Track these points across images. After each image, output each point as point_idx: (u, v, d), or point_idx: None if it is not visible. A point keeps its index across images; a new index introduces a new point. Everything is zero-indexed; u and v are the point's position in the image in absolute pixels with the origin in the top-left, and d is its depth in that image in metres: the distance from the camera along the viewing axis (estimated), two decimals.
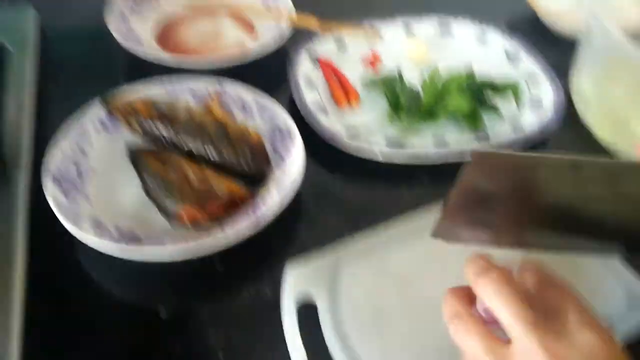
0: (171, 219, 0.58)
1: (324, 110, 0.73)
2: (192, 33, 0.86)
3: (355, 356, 0.49)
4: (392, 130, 0.72)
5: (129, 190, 0.62)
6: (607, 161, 0.36)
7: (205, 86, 0.70)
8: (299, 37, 0.82)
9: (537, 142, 0.71)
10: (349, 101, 0.76)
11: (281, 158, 0.64)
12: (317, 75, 0.78)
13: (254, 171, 0.62)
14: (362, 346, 0.49)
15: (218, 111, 0.66)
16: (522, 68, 0.80)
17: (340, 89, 0.77)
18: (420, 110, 0.73)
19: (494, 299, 0.38)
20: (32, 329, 0.52)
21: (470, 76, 0.74)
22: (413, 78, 0.78)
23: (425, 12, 0.87)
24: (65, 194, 0.58)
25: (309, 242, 0.60)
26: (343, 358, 0.48)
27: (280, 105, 0.68)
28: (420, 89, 0.75)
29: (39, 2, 0.86)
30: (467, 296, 0.41)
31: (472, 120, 0.72)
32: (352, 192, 0.66)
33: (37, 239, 0.59)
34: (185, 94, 0.69)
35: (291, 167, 0.62)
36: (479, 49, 0.84)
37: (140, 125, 0.64)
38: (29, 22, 0.84)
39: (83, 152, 0.63)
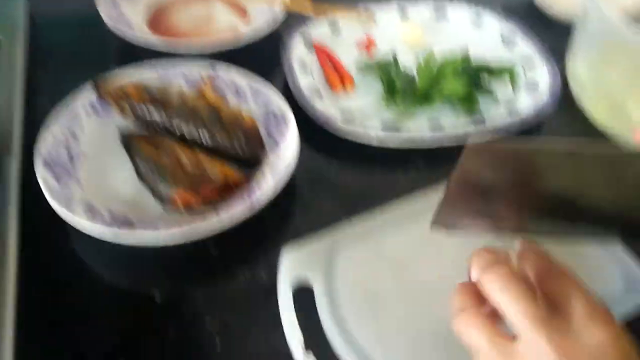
0: (164, 203, 0.58)
1: (319, 95, 0.72)
2: (184, 17, 0.85)
3: (351, 339, 0.48)
4: (387, 115, 0.71)
5: (121, 174, 0.62)
6: (608, 149, 0.35)
7: (197, 70, 0.69)
8: (292, 21, 0.81)
9: (533, 126, 0.71)
10: (343, 85, 0.75)
11: (275, 142, 0.63)
12: (312, 60, 0.78)
13: (248, 155, 0.62)
14: (359, 329, 0.49)
15: (211, 95, 0.65)
16: (517, 52, 0.80)
17: (335, 73, 0.76)
18: (416, 94, 0.72)
19: (500, 295, 0.37)
20: (26, 314, 0.52)
21: (466, 59, 0.73)
22: (408, 62, 0.77)
23: None
24: (57, 178, 0.57)
25: (304, 227, 0.59)
26: (340, 341, 0.48)
27: (274, 89, 0.68)
28: (415, 73, 0.75)
29: None
30: (477, 291, 0.40)
31: (468, 103, 0.71)
32: (347, 177, 0.66)
33: (30, 225, 0.58)
34: (177, 78, 0.68)
35: (285, 151, 0.61)
36: (474, 32, 0.83)
37: (132, 109, 0.63)
38: (18, 8, 0.83)
39: (74, 137, 0.62)
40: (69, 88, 0.66)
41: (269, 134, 0.65)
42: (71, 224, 0.54)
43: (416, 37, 0.82)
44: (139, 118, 0.64)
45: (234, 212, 0.55)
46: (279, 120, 0.65)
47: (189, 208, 0.57)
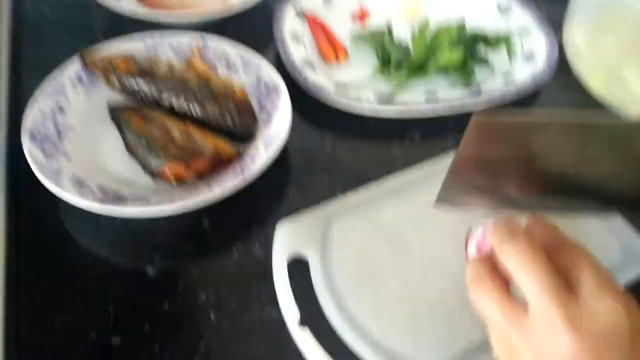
0: (155, 177, 0.57)
1: (311, 67, 0.71)
2: None
3: (347, 313, 0.48)
4: (382, 87, 0.70)
5: (110, 148, 0.61)
6: (614, 120, 0.35)
7: (187, 42, 0.67)
8: None
9: (529, 95, 0.70)
10: (336, 57, 0.74)
11: (267, 114, 0.62)
12: (304, 31, 0.76)
13: (239, 127, 0.60)
14: (355, 303, 0.48)
15: (200, 66, 0.64)
16: (514, 21, 0.78)
17: (328, 45, 0.75)
18: (411, 66, 0.71)
19: (517, 268, 0.37)
20: (17, 290, 0.51)
21: (461, 28, 0.72)
22: (403, 33, 0.75)
23: None
24: (45, 152, 0.56)
25: (298, 200, 0.59)
26: (336, 315, 0.48)
27: (266, 60, 0.66)
28: (410, 44, 0.73)
29: None
30: (491, 260, 0.40)
31: (464, 73, 0.70)
32: (341, 150, 0.65)
33: (19, 201, 0.57)
34: (166, 50, 0.67)
35: (278, 122, 0.60)
36: (470, 2, 0.81)
37: (120, 81, 0.62)
38: None
39: (61, 110, 0.60)
40: (56, 62, 0.65)
41: (261, 106, 0.63)
42: (60, 198, 0.53)
43: (412, 7, 0.80)
44: (127, 90, 0.62)
45: (226, 184, 0.54)
46: (271, 91, 0.63)
47: (180, 181, 0.56)
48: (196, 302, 0.51)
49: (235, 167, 0.57)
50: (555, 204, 0.44)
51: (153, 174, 0.57)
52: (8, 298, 0.50)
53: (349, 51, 0.75)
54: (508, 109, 0.69)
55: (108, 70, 0.62)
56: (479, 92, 0.69)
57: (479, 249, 0.43)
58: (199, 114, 0.60)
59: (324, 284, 0.49)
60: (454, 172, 0.39)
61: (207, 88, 0.61)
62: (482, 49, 0.73)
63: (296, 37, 0.74)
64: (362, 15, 0.80)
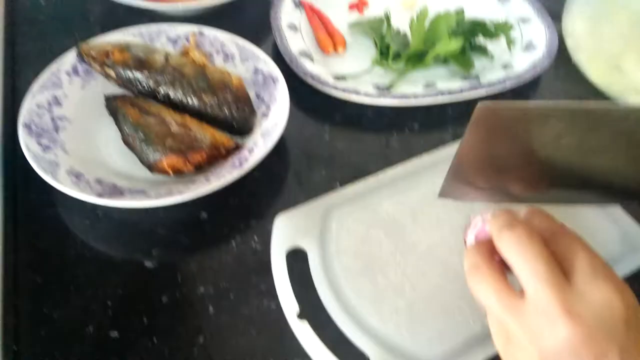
0: (152, 169, 0.57)
1: (309, 57, 0.70)
2: None
3: (347, 305, 0.48)
4: (381, 77, 0.70)
5: (108, 140, 0.60)
6: (619, 108, 0.35)
7: (183, 33, 0.67)
8: None
9: (529, 84, 0.70)
10: (335, 47, 0.73)
11: (265, 105, 0.62)
12: (301, 20, 0.75)
13: (237, 118, 0.60)
14: (354, 295, 0.48)
15: (197, 56, 0.63)
16: (513, 10, 0.78)
17: (326, 35, 0.74)
18: (409, 55, 0.70)
19: (514, 254, 0.37)
20: (15, 284, 0.51)
21: (460, 14, 0.71)
22: (402, 23, 0.75)
23: None
24: (41, 145, 0.55)
25: (297, 193, 0.59)
26: (334, 306, 0.47)
27: (262, 51, 0.66)
28: (408, 33, 0.73)
29: None
30: (489, 248, 0.40)
31: (462, 63, 0.69)
32: (340, 142, 0.65)
33: (16, 194, 0.57)
34: (162, 41, 0.66)
35: (276, 113, 0.60)
36: None
37: (117, 72, 0.61)
38: None
39: (58, 103, 0.60)
40: (52, 54, 0.64)
41: (259, 97, 0.63)
42: (57, 190, 0.52)
43: None
44: (123, 82, 0.62)
45: (224, 175, 0.54)
46: (269, 82, 0.63)
47: (178, 173, 0.56)
48: (195, 295, 0.51)
49: (233, 159, 0.57)
50: (557, 195, 0.44)
51: (150, 166, 0.56)
52: (5, 292, 0.50)
53: (347, 41, 0.74)
54: (508, 100, 0.69)
55: (104, 62, 0.61)
56: (478, 83, 0.68)
57: (477, 238, 0.43)
58: (196, 105, 0.60)
59: (323, 276, 0.49)
60: (457, 165, 0.39)
61: (204, 79, 0.60)
62: (481, 38, 0.72)
63: (294, 27, 0.74)
64: (360, 5, 0.79)
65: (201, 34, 0.67)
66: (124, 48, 0.62)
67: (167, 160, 0.55)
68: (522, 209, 0.42)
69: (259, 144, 0.57)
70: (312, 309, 0.47)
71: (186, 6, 0.73)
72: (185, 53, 0.64)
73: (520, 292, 0.37)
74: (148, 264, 0.53)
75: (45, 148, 0.56)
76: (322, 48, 0.73)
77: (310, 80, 0.66)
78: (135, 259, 0.54)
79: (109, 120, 0.61)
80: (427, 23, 0.70)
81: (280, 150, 0.61)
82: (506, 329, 0.37)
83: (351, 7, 0.79)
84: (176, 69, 0.60)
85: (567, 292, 0.35)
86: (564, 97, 0.72)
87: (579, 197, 0.45)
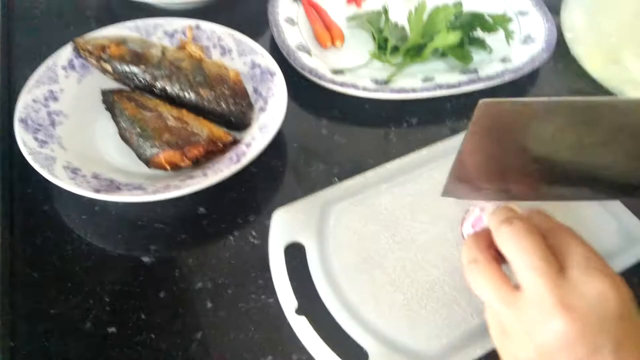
0: (150, 164, 0.56)
1: (307, 51, 0.70)
2: None
3: (345, 300, 0.47)
4: (379, 72, 0.69)
5: (105, 135, 0.60)
6: (621, 101, 0.34)
7: (180, 26, 0.66)
8: None
9: (528, 77, 0.69)
10: (332, 41, 0.73)
11: (263, 99, 0.61)
12: (299, 14, 0.75)
13: (234, 112, 0.60)
14: (352, 289, 0.48)
15: (194, 50, 0.63)
16: (511, 2, 0.77)
17: (324, 28, 0.74)
18: (407, 48, 0.70)
19: (511, 248, 0.38)
20: (11, 280, 0.51)
21: (458, 6, 0.70)
22: (400, 16, 0.74)
23: None
24: (38, 140, 0.55)
25: (295, 187, 0.59)
26: (333, 302, 0.47)
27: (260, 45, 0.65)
28: (407, 27, 0.72)
29: None
30: (487, 241, 0.40)
31: (461, 56, 0.69)
32: (338, 137, 0.64)
33: (13, 189, 0.57)
34: (159, 35, 0.66)
35: (274, 108, 0.59)
36: None
37: (113, 67, 0.61)
38: None
39: (54, 98, 0.60)
40: (48, 49, 0.64)
41: (257, 91, 0.63)
42: (54, 186, 0.52)
43: None
44: (120, 77, 0.61)
45: (222, 170, 0.53)
46: (266, 76, 0.62)
47: (175, 168, 0.56)
48: (193, 290, 0.51)
49: (231, 153, 0.57)
50: (558, 192, 0.44)
51: (147, 161, 0.56)
52: (2, 287, 0.50)
53: (345, 35, 0.74)
54: (507, 96, 0.69)
55: (101, 56, 0.61)
56: (476, 76, 0.68)
57: (474, 227, 0.44)
58: (193, 99, 0.60)
59: (321, 271, 0.49)
60: (459, 165, 0.39)
61: (201, 73, 0.60)
62: (479, 32, 0.72)
63: (291, 21, 0.73)
64: None
65: (198, 27, 0.66)
66: (121, 42, 0.61)
67: (164, 155, 0.55)
68: (521, 207, 0.42)
69: (257, 139, 0.57)
70: (311, 304, 0.47)
71: (184, 1, 0.72)
72: (182, 47, 0.64)
73: (517, 286, 0.37)
74: (146, 259, 0.53)
75: (42, 143, 0.55)
76: (320, 42, 0.73)
77: (308, 75, 0.66)
78: (132, 254, 0.53)
79: (106, 115, 0.61)
80: (425, 16, 0.69)
81: (278, 145, 0.61)
82: (502, 321, 0.38)
83: (349, 0, 0.79)
84: (173, 63, 0.60)
85: (563, 286, 0.35)
86: (562, 91, 0.72)
87: (580, 193, 0.45)
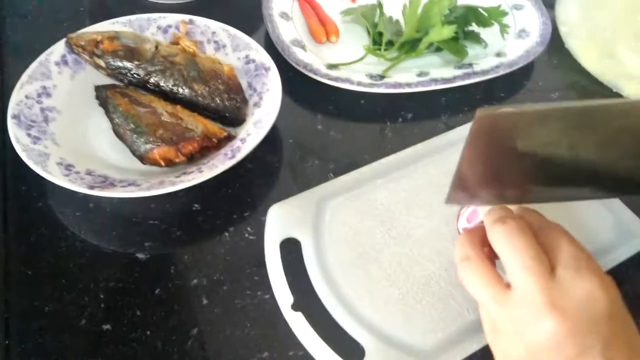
0: (144, 160, 0.56)
1: (302, 46, 0.69)
2: None
3: (341, 296, 0.47)
4: (374, 67, 0.69)
5: (99, 131, 0.60)
6: (618, 103, 0.34)
7: (174, 22, 0.66)
8: None
9: (523, 71, 0.69)
10: (327, 36, 0.73)
11: (258, 94, 0.61)
12: (293, 9, 0.75)
13: (229, 107, 0.59)
14: (348, 284, 0.48)
15: (188, 46, 0.62)
16: None
17: (318, 23, 0.73)
18: (402, 43, 0.70)
19: (503, 247, 0.38)
20: (5, 277, 0.50)
21: (453, 0, 0.70)
22: (395, 10, 0.74)
23: None
24: (31, 137, 0.55)
25: (290, 183, 0.59)
26: (329, 297, 0.47)
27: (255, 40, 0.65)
28: (402, 22, 0.72)
29: None
30: (480, 239, 0.41)
31: (455, 49, 0.69)
32: (334, 132, 0.64)
33: (6, 186, 0.57)
34: (152, 30, 0.66)
35: (268, 103, 0.59)
36: None
37: (107, 62, 0.60)
38: None
39: (47, 94, 0.59)
40: (41, 45, 0.63)
41: (251, 87, 0.62)
42: (48, 182, 0.52)
43: None
44: (113, 72, 0.61)
45: (216, 165, 0.53)
46: (261, 71, 0.62)
47: (169, 164, 0.56)
48: (188, 287, 0.51)
49: (226, 149, 0.57)
50: (557, 193, 0.44)
51: (142, 157, 0.56)
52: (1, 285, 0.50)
53: (340, 30, 0.74)
54: (502, 90, 0.69)
55: (94, 52, 0.60)
56: (471, 71, 0.68)
57: (468, 221, 0.44)
58: (187, 94, 0.59)
59: (317, 267, 0.49)
60: (459, 176, 0.39)
61: (194, 68, 0.59)
62: (474, 26, 0.72)
63: (286, 16, 0.73)
64: None
65: (192, 22, 0.66)
66: (114, 37, 0.61)
67: (158, 151, 0.55)
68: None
69: (252, 134, 0.57)
70: (306, 300, 0.47)
71: None
72: (175, 42, 0.63)
73: (508, 284, 0.37)
74: (140, 256, 0.53)
75: (35, 139, 0.55)
76: (315, 37, 0.72)
77: (302, 70, 0.65)
78: (127, 251, 0.53)
79: (99, 111, 0.60)
80: (419, 10, 0.69)
81: (273, 140, 0.60)
82: (494, 319, 0.38)
83: None
84: (166, 58, 0.60)
85: (553, 286, 0.35)
86: (557, 85, 0.72)
87: (579, 193, 0.45)
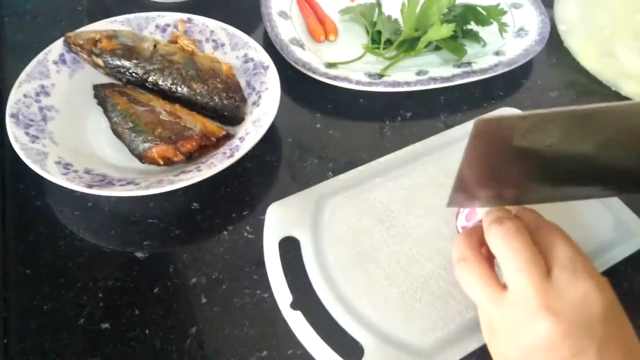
0: (142, 159, 0.56)
1: (300, 44, 0.69)
2: None
3: (340, 295, 0.47)
4: (373, 66, 0.69)
5: (97, 130, 0.60)
6: (619, 105, 0.34)
7: (172, 20, 0.66)
8: None
9: (521, 70, 0.69)
10: (326, 34, 0.73)
11: (256, 93, 0.61)
12: (292, 7, 0.75)
13: (227, 106, 0.59)
14: (347, 283, 0.48)
15: (186, 44, 0.62)
16: None
17: (317, 22, 0.73)
18: (401, 41, 0.70)
19: (500, 248, 0.38)
20: (4, 276, 0.50)
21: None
22: (393, 9, 0.74)
23: None
24: (30, 135, 0.55)
25: (289, 182, 0.59)
26: (328, 296, 0.47)
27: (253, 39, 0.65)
28: (400, 21, 0.72)
29: None
30: (478, 239, 0.41)
31: (454, 47, 0.69)
32: (333, 131, 0.64)
33: (4, 185, 0.57)
34: (151, 29, 0.65)
35: (267, 102, 0.59)
36: None
37: (105, 61, 0.60)
38: None
39: (46, 93, 0.59)
40: (39, 44, 0.63)
41: (249, 84, 0.62)
42: (47, 181, 0.52)
43: None
44: (112, 71, 0.61)
45: (215, 164, 0.53)
46: (260, 70, 0.62)
47: (168, 163, 0.56)
48: (187, 285, 0.51)
49: (224, 148, 0.57)
50: (557, 193, 0.44)
51: (140, 156, 0.56)
52: None
53: (338, 29, 0.74)
54: (501, 88, 0.69)
55: (92, 51, 0.60)
56: (470, 69, 0.68)
57: (467, 219, 0.44)
58: (186, 93, 0.59)
59: (316, 266, 0.49)
60: (460, 180, 0.39)
61: (193, 67, 0.59)
62: (473, 24, 0.72)
63: (284, 15, 0.73)
64: None
65: (190, 21, 0.66)
66: (112, 36, 0.61)
67: (157, 150, 0.55)
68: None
69: (250, 133, 0.56)
70: (305, 299, 0.47)
71: None
72: (174, 41, 0.63)
73: (505, 285, 0.37)
74: (139, 254, 0.52)
75: (34, 138, 0.55)
76: (313, 36, 0.72)
77: (301, 68, 0.65)
78: (126, 249, 0.53)
79: (98, 110, 0.60)
80: (418, 8, 0.69)
81: (271, 139, 0.60)
82: (490, 319, 0.38)
83: None
84: (165, 56, 0.60)
85: (548, 288, 0.35)
86: (556, 83, 0.72)
87: (579, 193, 0.45)
